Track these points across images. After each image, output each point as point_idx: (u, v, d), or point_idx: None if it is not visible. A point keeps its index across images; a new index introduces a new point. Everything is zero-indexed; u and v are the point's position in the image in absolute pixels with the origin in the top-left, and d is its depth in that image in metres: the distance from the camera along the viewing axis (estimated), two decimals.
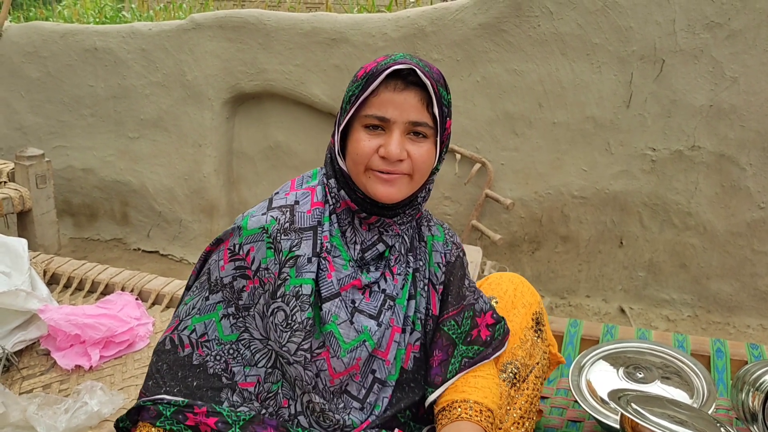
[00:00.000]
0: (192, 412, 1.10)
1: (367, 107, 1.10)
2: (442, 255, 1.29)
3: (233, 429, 1.11)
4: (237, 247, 1.15)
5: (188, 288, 1.26)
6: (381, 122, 1.10)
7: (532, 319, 1.38)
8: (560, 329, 1.81)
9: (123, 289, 2.21)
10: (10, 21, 5.30)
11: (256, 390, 1.18)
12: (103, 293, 2.23)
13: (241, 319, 1.16)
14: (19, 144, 4.01)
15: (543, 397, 1.60)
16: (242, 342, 1.17)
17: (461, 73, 3.11)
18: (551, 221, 3.16)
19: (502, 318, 1.30)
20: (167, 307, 2.16)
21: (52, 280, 2.29)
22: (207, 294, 1.17)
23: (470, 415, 1.16)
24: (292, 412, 1.19)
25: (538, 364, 1.35)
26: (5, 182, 2.81)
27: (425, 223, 1.30)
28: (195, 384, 1.14)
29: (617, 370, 1.44)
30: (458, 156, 3.19)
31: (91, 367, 1.87)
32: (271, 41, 3.43)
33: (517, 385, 1.31)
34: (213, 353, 1.15)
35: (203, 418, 1.10)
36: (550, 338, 1.43)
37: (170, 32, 3.64)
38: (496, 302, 1.39)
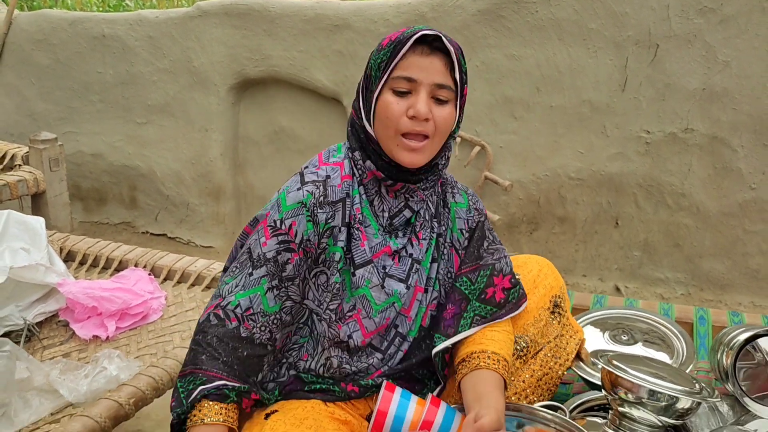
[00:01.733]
0: (248, 398, 1.20)
1: (395, 71, 1.20)
2: (465, 221, 1.38)
3: (322, 388, 1.28)
4: (278, 222, 1.22)
5: (225, 270, 1.34)
6: (409, 84, 1.19)
7: (550, 301, 1.45)
8: None
9: (136, 266, 2.31)
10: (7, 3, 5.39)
11: (285, 345, 1.28)
12: (117, 269, 2.33)
13: (283, 289, 1.24)
14: (30, 130, 4.10)
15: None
16: (284, 310, 1.24)
17: None
18: (549, 202, 3.25)
19: (519, 283, 1.37)
20: (178, 282, 2.27)
21: (68, 257, 2.40)
22: (250, 270, 1.23)
23: (488, 364, 1.25)
24: (308, 366, 1.29)
25: (549, 343, 1.43)
26: (20, 165, 2.91)
27: (450, 190, 1.39)
28: (245, 354, 1.21)
29: (603, 334, 1.54)
30: (458, 139, 3.28)
31: (107, 337, 1.97)
32: (276, 28, 3.51)
33: (524, 358, 1.40)
34: (258, 325, 1.22)
35: (251, 400, 1.21)
36: (575, 324, 1.48)
37: (177, 19, 3.72)
38: (519, 279, 1.46)
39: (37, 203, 2.91)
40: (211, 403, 1.17)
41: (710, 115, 2.89)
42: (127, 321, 2.05)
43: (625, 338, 1.50)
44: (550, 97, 3.10)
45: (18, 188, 2.73)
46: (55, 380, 1.69)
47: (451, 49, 1.20)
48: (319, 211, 1.23)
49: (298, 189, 1.24)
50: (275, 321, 1.23)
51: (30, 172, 2.84)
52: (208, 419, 1.16)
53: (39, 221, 2.23)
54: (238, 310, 1.22)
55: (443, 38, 1.19)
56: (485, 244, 1.38)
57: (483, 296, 1.33)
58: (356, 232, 1.26)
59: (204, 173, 3.90)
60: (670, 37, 2.86)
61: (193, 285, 2.25)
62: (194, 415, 1.17)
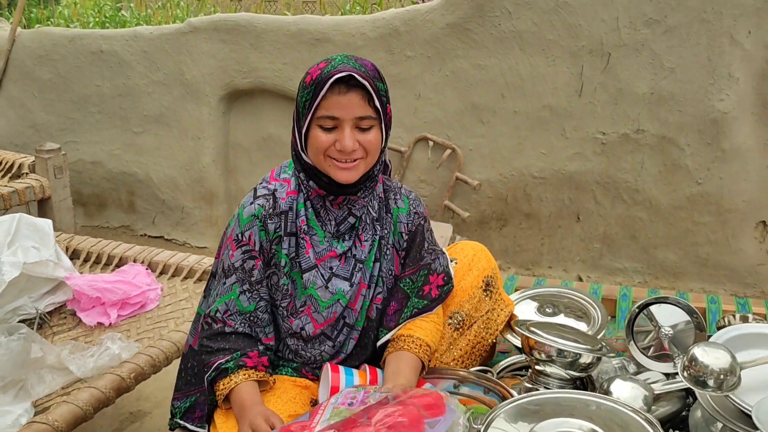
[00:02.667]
0: (248, 357, 1.41)
1: (318, 110, 1.36)
2: (405, 225, 1.57)
3: (286, 368, 1.49)
4: (240, 235, 1.45)
5: (205, 290, 1.57)
6: (333, 121, 1.35)
7: (483, 281, 1.69)
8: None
9: (135, 261, 2.57)
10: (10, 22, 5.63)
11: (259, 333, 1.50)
12: (118, 265, 2.59)
13: (255, 292, 1.45)
14: (33, 140, 4.35)
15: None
16: (260, 309, 1.47)
17: (432, 69, 3.45)
18: (515, 200, 3.51)
19: (451, 280, 1.60)
20: (173, 275, 2.52)
21: (73, 255, 2.65)
22: (224, 280, 1.46)
23: (410, 348, 1.50)
24: (279, 348, 1.54)
25: (482, 317, 1.69)
26: (27, 173, 3.17)
27: (392, 196, 1.57)
28: (233, 337, 1.44)
29: (534, 308, 1.80)
30: (431, 143, 3.54)
31: (110, 323, 2.23)
32: (262, 42, 3.77)
33: (461, 330, 1.65)
34: (237, 322, 1.45)
35: (258, 359, 1.42)
36: (506, 299, 1.73)
37: (170, 35, 3.98)
38: (456, 263, 1.70)
39: (43, 208, 3.17)
40: (219, 381, 1.40)
41: (659, 117, 3.14)
42: (128, 309, 2.30)
43: (549, 311, 1.76)
44: (513, 102, 3.35)
45: (26, 194, 2.99)
46: (65, 358, 1.94)
47: (366, 83, 1.33)
48: (269, 221, 1.45)
49: (251, 203, 1.46)
50: (252, 318, 1.46)
51: (36, 179, 3.10)
52: (220, 392, 1.39)
53: (47, 223, 2.48)
54: (218, 315, 1.45)
55: (356, 76, 1.31)
56: (425, 245, 1.58)
57: (421, 293, 1.55)
58: (302, 241, 1.46)
59: (197, 178, 4.15)
60: (621, 47, 3.11)
61: (186, 278, 2.51)
62: (218, 398, 1.40)
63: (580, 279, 3.49)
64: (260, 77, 3.84)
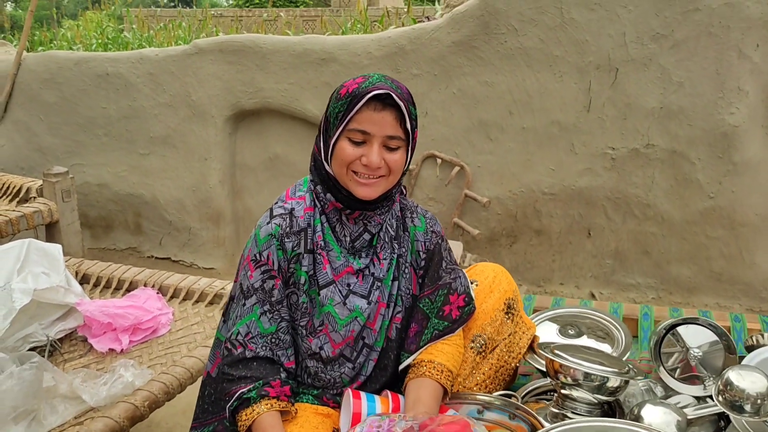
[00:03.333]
0: (270, 386, 1.38)
1: (351, 123, 1.37)
2: (423, 243, 1.56)
3: (307, 396, 1.46)
4: (258, 255, 1.43)
5: (224, 314, 1.54)
6: (363, 135, 1.36)
7: (504, 303, 1.66)
8: None
9: (145, 285, 2.54)
10: (15, 45, 5.66)
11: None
12: (128, 289, 2.56)
13: (276, 312, 1.43)
14: (39, 163, 4.35)
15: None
16: (281, 330, 1.44)
17: (439, 86, 3.45)
18: (525, 216, 3.49)
19: (472, 300, 1.58)
20: (184, 299, 2.50)
21: (83, 280, 2.63)
22: (243, 301, 1.44)
23: (432, 374, 1.47)
24: (297, 372, 1.51)
25: (504, 340, 1.66)
26: (34, 197, 3.16)
27: (409, 215, 1.57)
28: (255, 364, 1.40)
29: (555, 329, 1.77)
30: (439, 161, 3.53)
31: (122, 349, 2.20)
32: (267, 62, 3.78)
33: (483, 354, 1.62)
34: (259, 345, 1.41)
35: (280, 388, 1.39)
36: (527, 321, 1.71)
37: (176, 57, 3.98)
38: (477, 285, 1.68)
39: (51, 232, 3.15)
40: (242, 410, 1.37)
41: (668, 131, 3.12)
42: (139, 335, 2.27)
43: (572, 332, 1.72)
44: (521, 119, 3.34)
45: (34, 219, 2.97)
46: (78, 387, 1.91)
47: (402, 104, 1.35)
48: (286, 240, 1.43)
49: (268, 223, 1.45)
50: (274, 340, 1.43)
51: (44, 203, 3.08)
52: (243, 423, 1.35)
53: (57, 248, 2.46)
54: (239, 338, 1.42)
55: (394, 96, 1.34)
56: (443, 264, 1.57)
57: (441, 313, 1.53)
58: (319, 257, 1.45)
59: (204, 199, 4.14)
60: (628, 62, 3.11)
61: (197, 302, 2.48)
62: (240, 428, 1.37)
63: (593, 296, 3.46)
64: (266, 97, 3.84)
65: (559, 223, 3.44)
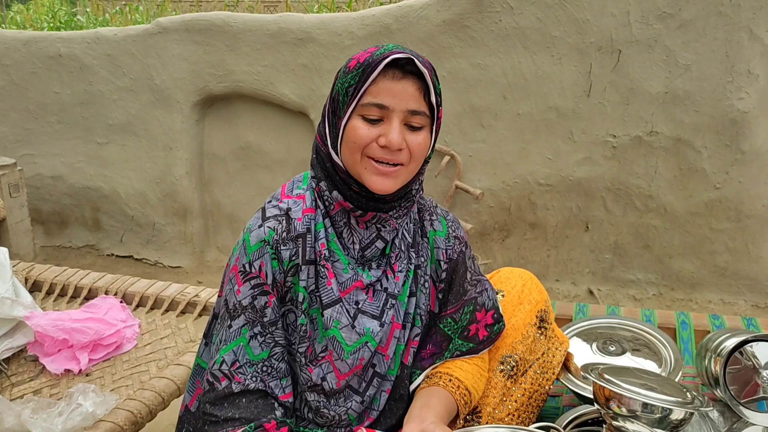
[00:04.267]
0: (263, 430, 1.11)
1: (365, 96, 1.11)
2: (444, 251, 1.31)
3: None
4: (248, 266, 1.15)
5: (206, 335, 1.28)
6: (380, 111, 1.10)
7: (536, 317, 1.42)
8: None
9: (107, 293, 2.24)
10: None
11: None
12: (87, 298, 2.25)
13: (269, 335, 1.16)
14: None
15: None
16: (275, 357, 1.17)
17: None
18: (519, 209, 3.27)
19: (501, 318, 1.33)
20: (152, 308, 2.20)
21: (34, 288, 2.31)
22: (229, 322, 1.16)
23: (446, 385, 1.23)
24: (296, 405, 1.24)
25: (538, 360, 1.41)
26: None
27: (428, 218, 1.31)
28: (246, 403, 1.14)
29: (590, 345, 1.54)
30: None
31: (80, 370, 1.90)
32: (238, 43, 3.47)
33: (515, 378, 1.37)
34: (248, 376, 1.14)
35: (276, 431, 1.12)
36: (560, 335, 1.47)
37: (136, 37, 3.64)
38: (503, 296, 1.42)
39: None
40: None
41: (673, 117, 2.94)
42: (100, 352, 1.98)
43: (612, 348, 1.50)
44: (516, 104, 3.12)
45: None
46: (27, 420, 1.62)
47: (425, 71, 1.11)
48: (282, 247, 1.16)
49: (260, 226, 1.17)
50: (265, 369, 1.16)
51: None
52: None
53: (2, 252, 2.14)
54: (224, 367, 1.15)
55: (416, 60, 1.10)
56: (468, 276, 1.33)
57: (466, 333, 1.29)
58: (322, 269, 1.18)
59: (169, 192, 3.83)
60: (632, 43, 2.90)
61: (167, 311, 2.19)
62: None
63: (591, 292, 3.27)
64: (237, 81, 3.53)
65: (555, 216, 3.24)
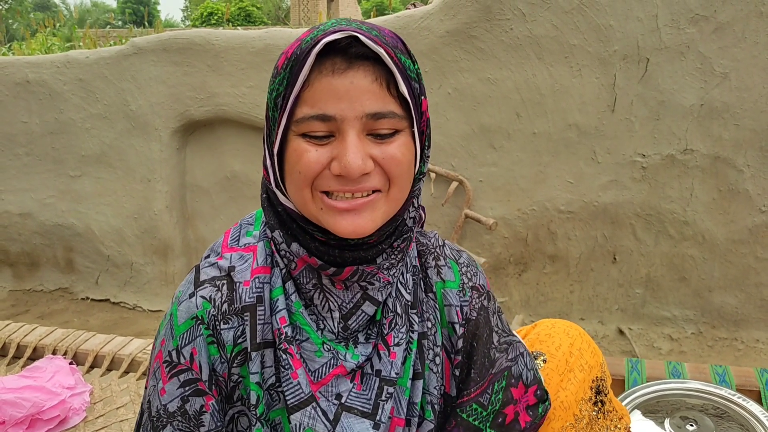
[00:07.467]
0: None
1: (300, 107, 0.74)
2: (458, 309, 0.92)
3: None
4: (174, 353, 0.80)
5: None
6: (325, 124, 0.74)
7: (591, 389, 1.04)
8: None
9: (54, 353, 1.87)
10: None
11: None
12: (32, 358, 1.89)
13: None
14: None
15: None
16: None
17: (431, 86, 2.87)
18: (537, 240, 2.92)
19: (547, 394, 0.95)
20: (108, 369, 1.83)
21: None
22: None
23: None
24: None
25: None
26: None
27: (432, 263, 0.93)
28: None
29: (664, 423, 1.16)
30: (433, 175, 2.94)
31: None
32: (221, 62, 3.16)
33: None
34: None
35: None
36: (618, 407, 1.11)
37: (109, 59, 3.34)
38: (545, 361, 1.04)
39: None
40: None
41: (711, 133, 2.62)
42: (40, 429, 1.61)
43: (692, 428, 1.13)
44: (532, 122, 2.80)
45: None
46: None
47: (381, 50, 0.73)
48: (222, 326, 0.81)
49: (191, 296, 0.82)
50: None
51: None
52: None
53: None
54: None
55: (363, 38, 0.73)
56: (495, 339, 0.94)
57: (500, 420, 0.90)
58: (284, 355, 0.80)
59: (148, 229, 3.49)
60: (661, 50, 2.60)
61: (126, 373, 1.82)
62: None
63: (621, 332, 2.90)
64: (221, 104, 3.22)
65: (578, 247, 2.89)
